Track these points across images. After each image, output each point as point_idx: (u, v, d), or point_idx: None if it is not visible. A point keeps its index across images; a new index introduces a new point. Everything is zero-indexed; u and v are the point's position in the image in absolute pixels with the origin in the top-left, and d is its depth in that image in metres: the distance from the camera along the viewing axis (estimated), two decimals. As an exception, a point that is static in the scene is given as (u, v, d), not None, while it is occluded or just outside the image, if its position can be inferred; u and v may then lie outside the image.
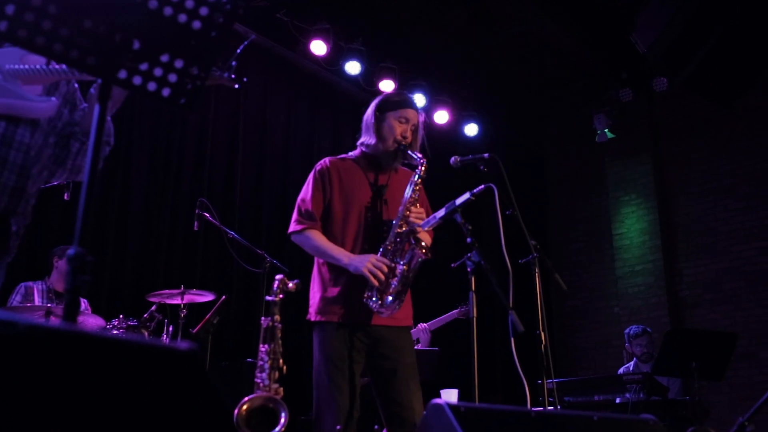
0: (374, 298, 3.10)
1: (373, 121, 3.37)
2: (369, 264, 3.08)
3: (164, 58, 1.67)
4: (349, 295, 3.16)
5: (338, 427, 2.91)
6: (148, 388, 0.97)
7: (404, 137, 3.31)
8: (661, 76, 8.23)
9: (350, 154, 3.47)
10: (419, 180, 3.26)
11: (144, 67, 1.65)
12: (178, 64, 1.69)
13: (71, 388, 0.95)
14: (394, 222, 3.19)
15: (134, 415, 0.95)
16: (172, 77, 1.69)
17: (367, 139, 3.39)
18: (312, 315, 3.23)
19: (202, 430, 0.92)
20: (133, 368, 0.97)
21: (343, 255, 3.18)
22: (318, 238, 3.25)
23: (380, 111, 3.37)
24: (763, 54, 5.56)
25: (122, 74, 1.63)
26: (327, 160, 3.42)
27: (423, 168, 3.26)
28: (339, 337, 3.13)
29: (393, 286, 3.09)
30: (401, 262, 3.12)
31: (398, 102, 3.38)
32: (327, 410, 3.05)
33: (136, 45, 1.61)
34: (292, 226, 3.33)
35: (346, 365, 3.10)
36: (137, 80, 1.65)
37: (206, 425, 0.93)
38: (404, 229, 3.17)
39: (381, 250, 3.16)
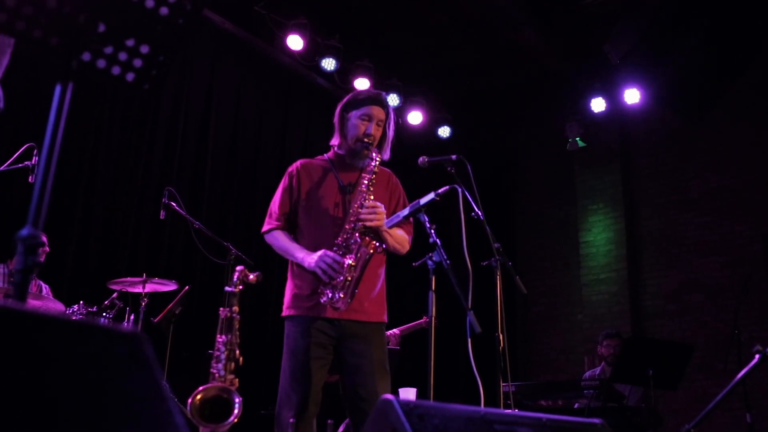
0: (327, 293, 3.12)
1: (338, 120, 3.42)
2: (318, 260, 3.13)
3: (130, 42, 1.66)
4: (315, 291, 3.18)
5: (291, 420, 2.92)
6: (91, 368, 0.97)
7: (367, 135, 3.31)
8: (633, 87, 8.31)
9: (325, 155, 3.50)
10: (373, 176, 3.26)
11: (109, 50, 1.64)
12: (144, 49, 1.68)
13: (17, 365, 0.95)
14: (348, 218, 3.21)
15: (76, 392, 0.95)
16: (137, 62, 1.69)
17: (334, 139, 3.45)
18: (284, 310, 3.29)
19: (140, 409, 0.93)
20: (77, 347, 0.97)
21: (300, 253, 3.23)
22: (282, 238, 3.32)
23: (344, 110, 3.41)
24: (726, 76, 5.69)
25: (86, 56, 1.61)
26: (299, 162, 3.47)
27: (375, 164, 3.27)
28: (304, 331, 3.16)
29: (340, 280, 3.11)
30: (350, 257, 3.13)
31: (361, 100, 3.39)
32: (287, 403, 3.10)
33: (101, 27, 1.60)
34: (263, 227, 3.41)
35: (308, 359, 3.12)
36: (101, 63, 1.64)
37: (145, 406, 0.93)
38: (355, 225, 3.17)
39: (335, 247, 3.18)
